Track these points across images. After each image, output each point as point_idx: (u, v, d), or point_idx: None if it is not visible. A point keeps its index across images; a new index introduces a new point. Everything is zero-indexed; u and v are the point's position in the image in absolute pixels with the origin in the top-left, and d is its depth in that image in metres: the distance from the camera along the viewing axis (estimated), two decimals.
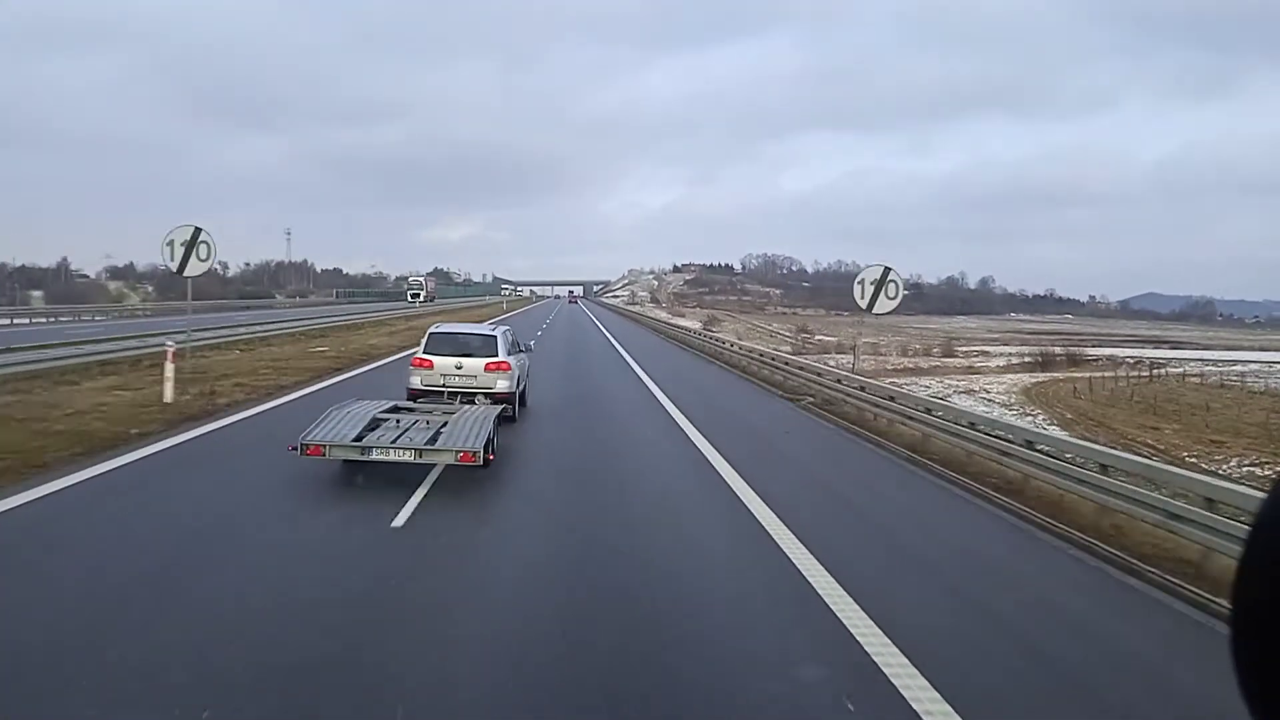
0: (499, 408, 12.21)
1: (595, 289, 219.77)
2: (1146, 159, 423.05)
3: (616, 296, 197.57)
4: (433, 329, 15.17)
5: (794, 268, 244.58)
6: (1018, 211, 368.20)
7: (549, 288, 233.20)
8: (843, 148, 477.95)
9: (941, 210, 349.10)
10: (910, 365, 61.43)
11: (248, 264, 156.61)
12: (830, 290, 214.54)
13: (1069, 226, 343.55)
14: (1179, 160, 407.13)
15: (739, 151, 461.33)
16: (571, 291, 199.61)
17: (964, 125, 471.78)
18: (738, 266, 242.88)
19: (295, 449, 9.55)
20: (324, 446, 9.56)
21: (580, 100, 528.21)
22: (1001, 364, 62.31)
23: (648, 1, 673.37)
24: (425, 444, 9.73)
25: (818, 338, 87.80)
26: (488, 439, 10.00)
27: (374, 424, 10.42)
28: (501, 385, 13.77)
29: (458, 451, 9.50)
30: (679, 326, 68.55)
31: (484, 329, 16.06)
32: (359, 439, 9.74)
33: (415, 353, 14.78)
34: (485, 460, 9.77)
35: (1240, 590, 0.85)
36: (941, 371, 57.44)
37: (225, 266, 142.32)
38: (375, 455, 9.62)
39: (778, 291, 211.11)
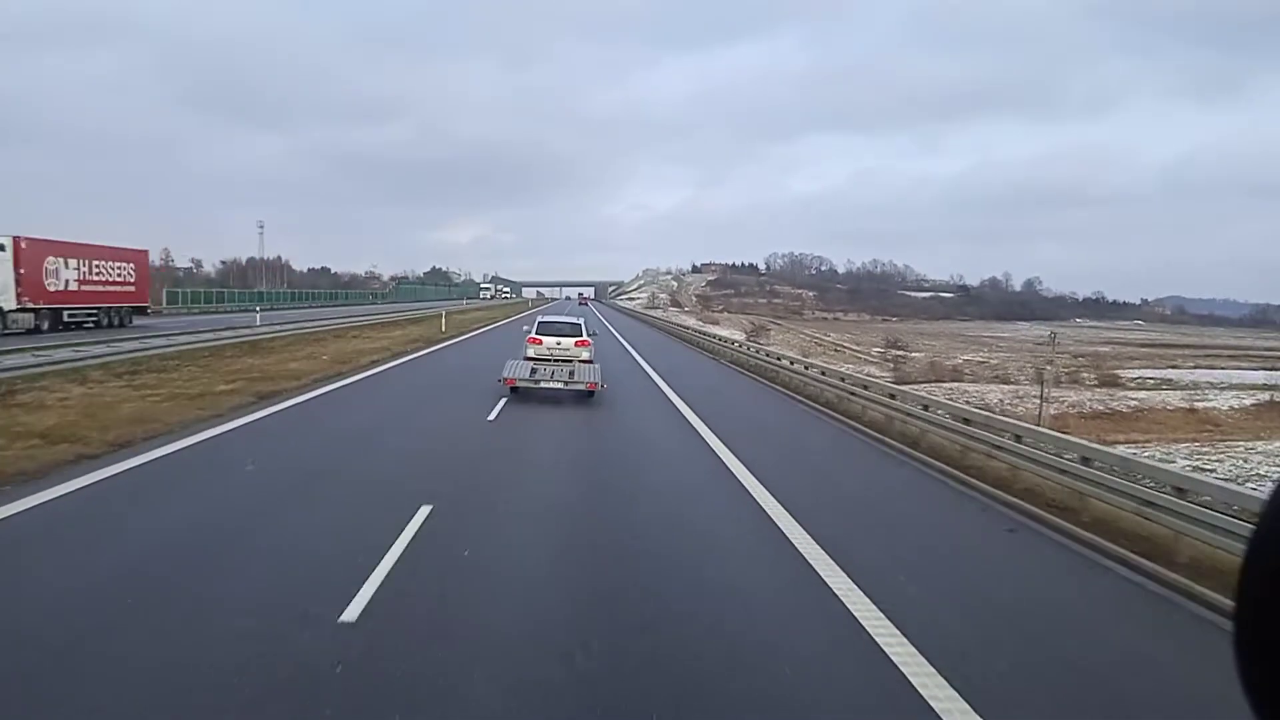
0: (597, 365, 19.69)
1: (610, 290, 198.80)
2: (1159, 159, 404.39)
3: (632, 299, 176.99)
4: (540, 318, 22.94)
5: (823, 268, 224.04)
6: (1029, 212, 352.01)
7: (557, 288, 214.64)
8: (851, 148, 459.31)
9: (952, 211, 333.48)
10: (1100, 408, 40.76)
11: (223, 261, 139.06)
12: (870, 292, 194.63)
13: (1081, 228, 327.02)
14: (1192, 160, 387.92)
15: (746, 152, 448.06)
16: (581, 293, 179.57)
17: (974, 126, 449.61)
18: (762, 266, 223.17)
19: (501, 380, 17.91)
20: (516, 380, 17.95)
21: (586, 100, 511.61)
22: (1234, 407, 41.54)
23: (653, 1, 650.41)
24: (567, 378, 18.15)
25: (913, 356, 67.09)
26: (601, 378, 18.39)
27: (533, 370, 18.35)
28: (584, 355, 20.31)
29: (587, 383, 18.11)
30: (717, 337, 49.15)
31: (572, 319, 23.23)
32: (531, 375, 18.11)
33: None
34: (600, 388, 18.03)
35: (1243, 588, 0.85)
36: (1162, 421, 36.97)
37: (199, 264, 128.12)
38: (542, 384, 17.87)
39: (811, 293, 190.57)
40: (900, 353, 64.15)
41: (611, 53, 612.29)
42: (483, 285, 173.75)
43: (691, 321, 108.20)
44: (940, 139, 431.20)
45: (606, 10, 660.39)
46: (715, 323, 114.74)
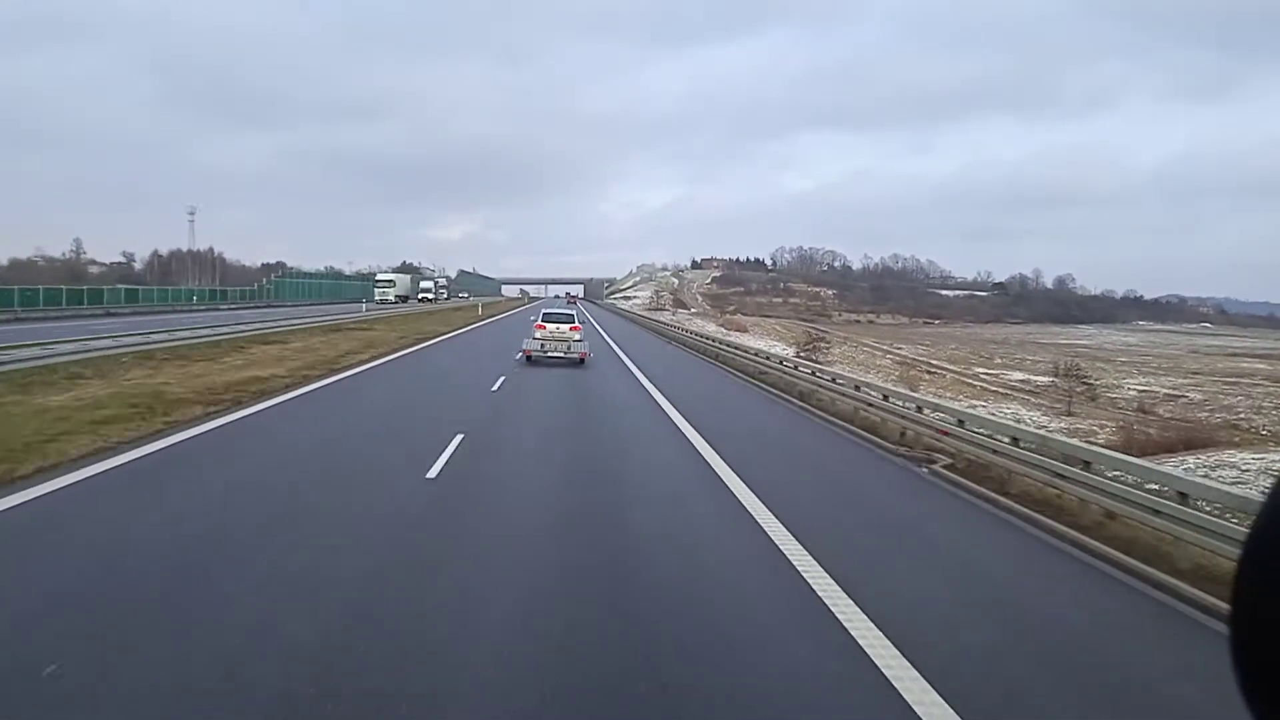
0: (586, 342, 26.92)
1: (605, 287, 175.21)
2: (1154, 158, 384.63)
3: (629, 298, 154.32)
4: (544, 311, 31.26)
5: (836, 263, 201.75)
6: (1031, 210, 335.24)
7: (544, 286, 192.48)
8: (846, 146, 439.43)
9: (953, 208, 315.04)
10: None
11: (154, 253, 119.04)
12: (896, 291, 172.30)
13: (1081, 226, 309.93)
14: (1188, 159, 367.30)
15: (740, 150, 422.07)
16: (569, 292, 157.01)
17: (969, 124, 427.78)
18: (768, 261, 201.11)
19: (520, 354, 25.53)
20: (531, 352, 25.08)
21: (578, 98, 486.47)
22: None
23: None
24: (566, 351, 25.26)
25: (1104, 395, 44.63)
26: (589, 349, 26.34)
27: (542, 345, 25.37)
28: (576, 337, 26.47)
29: (580, 353, 25.29)
30: (758, 354, 28.66)
31: (567, 310, 33.17)
32: (541, 349, 25.14)
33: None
34: (589, 356, 25.80)
35: (1240, 590, 0.85)
36: None
37: (130, 257, 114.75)
38: (550, 354, 25.04)
39: (830, 291, 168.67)
40: (1080, 384, 41.39)
41: (605, 50, 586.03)
42: (379, 279, 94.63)
43: (711, 328, 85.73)
44: (940, 136, 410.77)
45: (601, 9, 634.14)
46: (741, 329, 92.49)
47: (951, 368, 58.01)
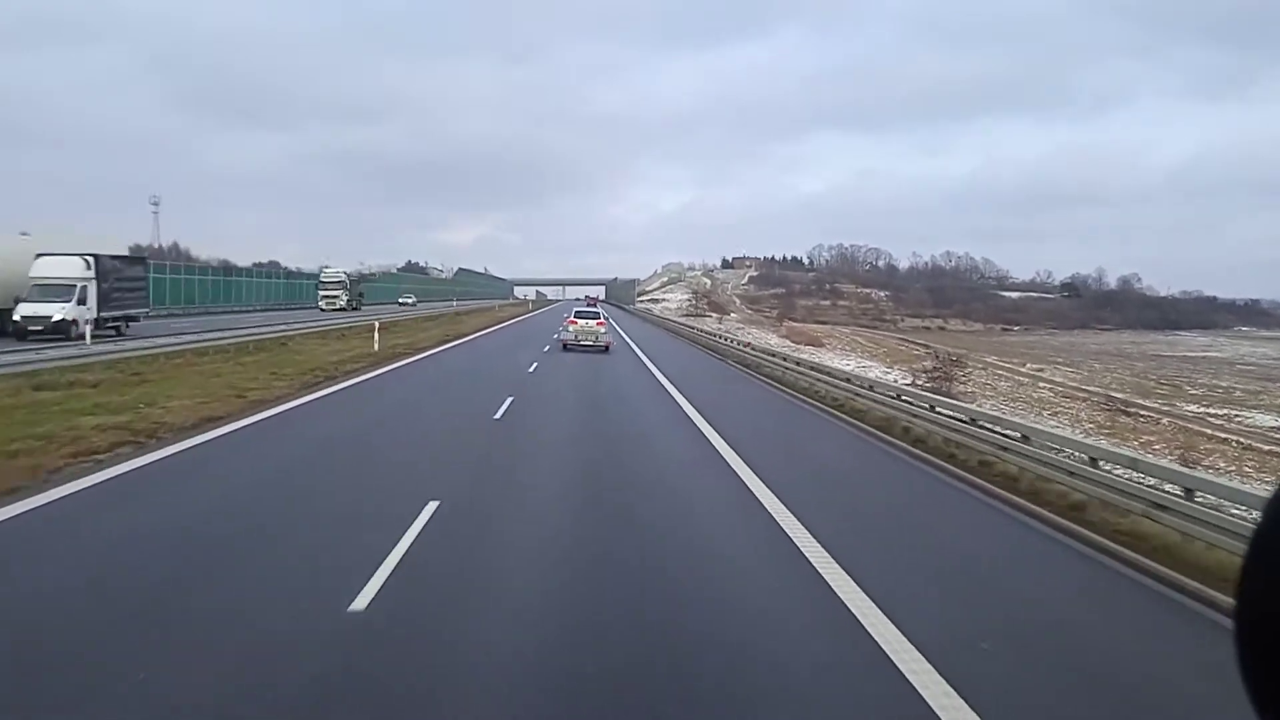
0: (609, 334, 34.50)
1: (635, 288, 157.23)
2: (1172, 157, 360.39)
3: (657, 301, 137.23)
4: (575, 309, 37.96)
5: (880, 262, 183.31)
6: (1045, 209, 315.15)
7: (562, 287, 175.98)
8: (858, 146, 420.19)
9: (966, 207, 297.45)
10: None
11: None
12: (957, 292, 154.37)
13: (1104, 223, 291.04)
14: (1208, 158, 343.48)
15: (752, 150, 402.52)
16: (589, 296, 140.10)
17: (985, 124, 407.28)
18: (805, 259, 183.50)
19: (556, 338, 34.37)
20: (566, 341, 32.28)
21: (590, 98, 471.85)
22: None
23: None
24: (594, 341, 32.20)
25: None
26: (613, 339, 35.05)
27: (575, 335, 32.31)
28: (602, 329, 33.04)
29: (605, 342, 32.76)
30: (891, 390, 12.20)
31: (593, 309, 39.32)
32: (575, 338, 32.22)
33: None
34: (612, 345, 33.77)
35: (1245, 588, 0.85)
36: None
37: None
38: (581, 342, 31.96)
39: (883, 293, 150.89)
40: None
41: (616, 50, 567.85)
42: None
43: (773, 340, 68.78)
44: (961, 135, 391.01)
45: (610, 9, 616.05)
46: (814, 342, 75.31)
47: (1147, 404, 40.80)
